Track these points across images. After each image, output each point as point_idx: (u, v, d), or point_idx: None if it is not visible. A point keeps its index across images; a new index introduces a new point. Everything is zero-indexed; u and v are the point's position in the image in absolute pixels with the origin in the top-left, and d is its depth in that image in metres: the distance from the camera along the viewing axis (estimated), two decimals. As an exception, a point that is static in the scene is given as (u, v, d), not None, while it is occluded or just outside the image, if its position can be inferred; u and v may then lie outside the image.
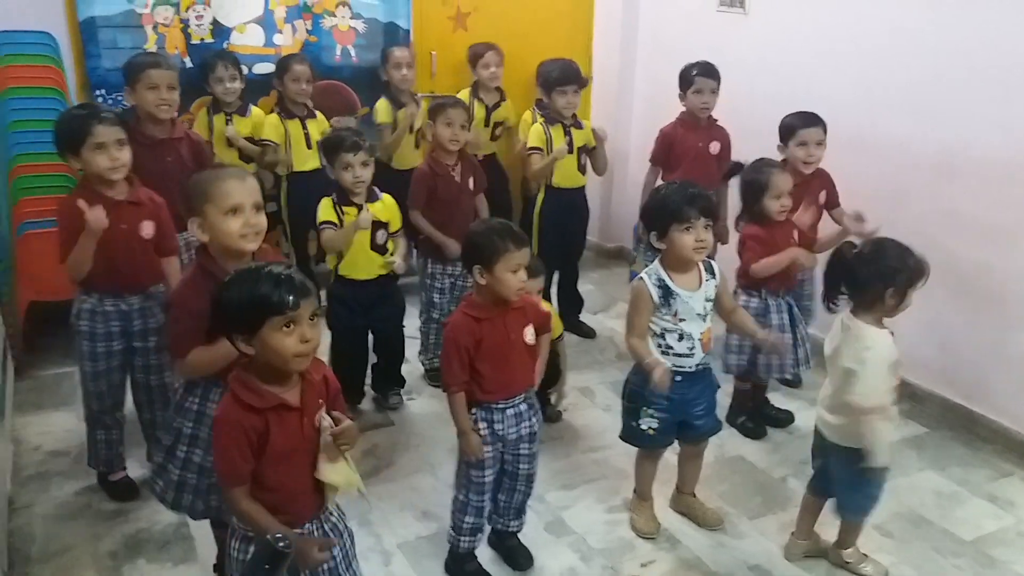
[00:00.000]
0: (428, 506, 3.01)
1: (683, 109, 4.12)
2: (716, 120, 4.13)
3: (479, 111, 4.71)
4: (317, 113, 4.38)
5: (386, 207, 3.42)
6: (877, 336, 2.44)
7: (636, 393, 2.75)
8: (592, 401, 3.84)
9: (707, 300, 2.67)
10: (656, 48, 5.26)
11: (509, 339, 2.47)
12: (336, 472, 1.92)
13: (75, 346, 2.91)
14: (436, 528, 2.89)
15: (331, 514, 2.02)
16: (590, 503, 3.08)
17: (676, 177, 4.01)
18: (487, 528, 2.71)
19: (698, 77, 4.00)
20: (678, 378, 2.65)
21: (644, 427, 2.74)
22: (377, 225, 3.36)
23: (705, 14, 4.75)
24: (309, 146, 4.27)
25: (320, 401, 1.92)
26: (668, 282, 2.61)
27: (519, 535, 2.77)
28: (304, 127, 4.29)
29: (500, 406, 2.50)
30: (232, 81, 4.13)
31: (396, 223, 3.47)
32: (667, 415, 2.71)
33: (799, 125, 3.50)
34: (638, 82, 5.43)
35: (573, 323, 4.47)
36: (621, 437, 2.87)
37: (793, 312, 3.34)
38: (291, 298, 1.76)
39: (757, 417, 3.56)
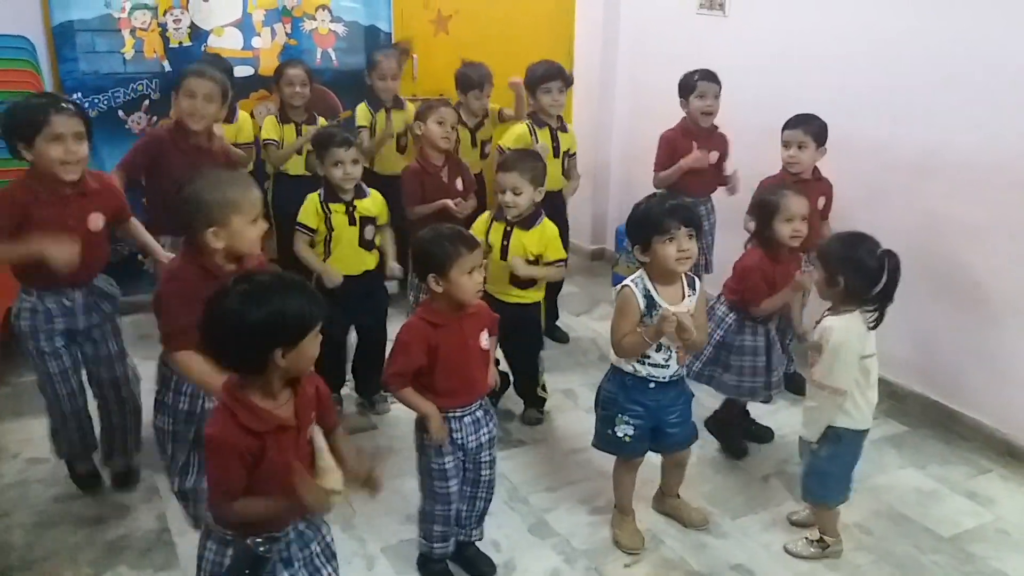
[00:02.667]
0: (411, 510, 2.99)
1: (683, 115, 4.12)
2: (717, 128, 4.14)
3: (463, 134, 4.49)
4: (319, 119, 4.34)
5: (374, 202, 3.42)
6: (840, 320, 2.56)
7: (611, 400, 2.74)
8: (575, 403, 3.84)
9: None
10: (637, 51, 5.28)
11: (467, 345, 2.47)
12: (326, 477, 1.90)
13: (23, 351, 2.85)
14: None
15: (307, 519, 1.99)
16: (573, 505, 3.09)
17: (672, 183, 4.06)
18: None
19: (700, 81, 4.00)
20: (651, 385, 2.67)
21: (620, 434, 2.72)
22: (365, 221, 3.36)
23: (685, 17, 4.78)
24: (300, 151, 4.25)
25: (312, 414, 1.91)
26: (653, 293, 2.59)
27: (478, 543, 2.75)
28: (299, 133, 4.26)
29: (458, 414, 2.49)
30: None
31: (384, 217, 3.46)
32: (641, 421, 2.70)
33: (785, 126, 3.58)
34: (619, 84, 5.45)
35: (549, 328, 4.46)
36: (595, 445, 2.85)
37: (770, 337, 3.23)
38: (318, 310, 1.81)
39: (737, 435, 3.44)
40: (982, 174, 3.39)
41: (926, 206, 3.60)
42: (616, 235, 5.39)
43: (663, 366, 2.65)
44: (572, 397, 3.89)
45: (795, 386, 3.61)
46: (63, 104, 2.65)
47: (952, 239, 3.51)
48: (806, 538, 2.82)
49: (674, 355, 2.64)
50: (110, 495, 3.07)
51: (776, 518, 3.01)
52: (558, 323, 4.57)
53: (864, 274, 2.53)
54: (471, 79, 4.34)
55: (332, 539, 2.07)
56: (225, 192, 2.25)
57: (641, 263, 2.65)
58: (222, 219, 2.22)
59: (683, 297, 2.63)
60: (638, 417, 2.69)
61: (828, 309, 2.65)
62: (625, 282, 2.65)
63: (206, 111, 3.34)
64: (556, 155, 4.17)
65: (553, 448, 3.44)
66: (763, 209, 3.13)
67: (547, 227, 3.36)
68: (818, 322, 2.64)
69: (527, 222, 3.33)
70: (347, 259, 3.38)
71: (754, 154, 3.99)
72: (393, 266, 3.50)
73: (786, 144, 3.59)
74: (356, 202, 3.34)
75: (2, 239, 2.57)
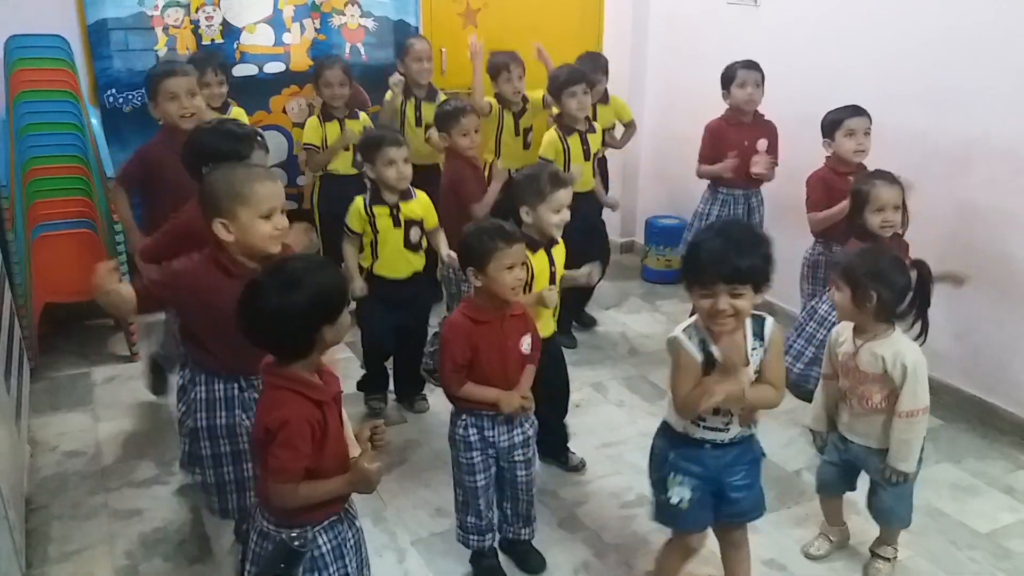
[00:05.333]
0: (442, 503, 3.02)
1: (726, 107, 4.08)
2: (763, 115, 4.10)
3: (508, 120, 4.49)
4: (361, 114, 4.35)
5: (420, 204, 3.39)
6: (904, 340, 2.47)
7: (662, 458, 2.28)
8: (605, 397, 3.83)
9: (754, 372, 2.15)
10: (667, 43, 5.24)
11: (505, 346, 2.46)
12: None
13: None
14: (450, 525, 2.89)
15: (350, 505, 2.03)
16: (603, 499, 3.08)
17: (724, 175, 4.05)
18: (496, 534, 2.67)
19: (741, 70, 3.98)
20: (707, 446, 2.22)
21: (675, 500, 2.23)
22: (410, 223, 3.35)
23: (716, 8, 4.73)
24: (346, 148, 4.24)
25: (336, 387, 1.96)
26: (711, 347, 2.10)
27: (532, 541, 2.74)
28: (342, 129, 4.25)
29: (491, 413, 2.48)
30: (220, 86, 4.07)
31: (432, 220, 3.42)
32: (700, 482, 2.23)
33: (845, 116, 3.49)
34: (649, 76, 5.41)
35: (576, 315, 4.46)
36: (653, 519, 2.39)
37: None
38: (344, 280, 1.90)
39: None
40: (1023, 163, 3.32)
41: (966, 195, 3.53)
42: (646, 228, 5.36)
43: (722, 430, 2.20)
44: (602, 391, 3.88)
45: None
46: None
47: (992, 229, 3.45)
48: (885, 559, 2.69)
49: (735, 419, 2.20)
50: (146, 488, 3.12)
51: (809, 512, 2.98)
52: (584, 309, 4.56)
53: (895, 286, 2.43)
54: (495, 64, 4.37)
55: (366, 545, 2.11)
56: (232, 183, 2.18)
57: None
58: (228, 211, 2.15)
59: (746, 355, 2.13)
60: (696, 477, 2.23)
61: (863, 337, 2.49)
62: (675, 334, 2.15)
63: (194, 108, 3.24)
64: (587, 158, 4.11)
65: (583, 442, 3.43)
66: (855, 199, 3.08)
67: (421, 196, 3.37)
68: (854, 354, 2.50)
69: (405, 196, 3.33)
70: (393, 262, 3.36)
71: (789, 145, 3.95)
72: (447, 252, 3.37)
73: (851, 132, 3.47)
74: (401, 204, 3.32)
75: None
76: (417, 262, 3.42)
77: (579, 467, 3.26)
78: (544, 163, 3.73)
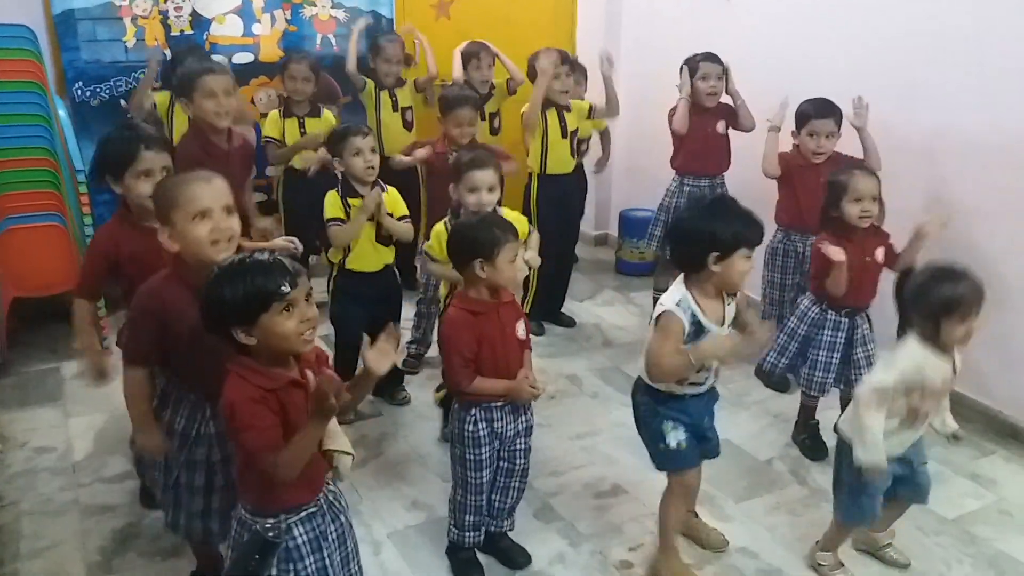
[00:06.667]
0: (417, 495, 3.03)
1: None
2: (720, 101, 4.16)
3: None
4: (325, 112, 4.35)
5: (391, 198, 3.38)
6: (918, 356, 2.33)
7: (650, 411, 2.50)
8: (580, 388, 3.85)
9: (728, 327, 2.42)
10: (640, 36, 5.26)
11: (504, 333, 2.46)
12: (338, 440, 1.96)
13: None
14: (426, 517, 2.91)
15: (331, 488, 2.02)
16: (578, 489, 3.10)
17: (687, 160, 4.17)
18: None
19: (703, 63, 4.02)
20: (687, 397, 2.47)
21: (673, 444, 2.46)
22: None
23: (689, 2, 4.76)
24: (315, 149, 4.18)
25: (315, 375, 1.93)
26: (700, 317, 2.33)
27: (510, 533, 2.76)
28: (302, 126, 4.26)
29: (499, 403, 2.48)
30: (306, 83, 4.16)
31: (399, 212, 3.40)
32: (686, 426, 2.48)
33: (812, 115, 3.53)
34: (622, 69, 5.40)
35: (554, 313, 4.49)
36: (658, 467, 2.57)
37: (856, 334, 3.16)
38: (286, 280, 1.77)
39: (818, 436, 3.35)
40: (989, 155, 3.38)
41: (933, 188, 3.59)
42: (620, 221, 5.38)
43: (700, 383, 2.46)
44: (576, 382, 3.90)
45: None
46: (151, 138, 2.55)
47: (959, 220, 3.49)
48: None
49: (711, 372, 2.47)
50: (117, 484, 3.09)
51: (780, 501, 3.03)
52: (563, 309, 4.58)
53: (939, 297, 2.33)
54: (466, 54, 4.52)
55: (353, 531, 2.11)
56: (167, 189, 2.10)
57: (690, 273, 2.38)
58: (166, 218, 2.07)
59: (724, 315, 2.39)
60: (683, 424, 2.48)
61: (946, 349, 2.38)
62: (669, 308, 2.33)
63: (230, 107, 3.19)
64: (564, 135, 4.17)
65: (558, 433, 3.46)
66: (832, 189, 3.07)
67: (515, 215, 3.22)
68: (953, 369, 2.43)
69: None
70: (366, 256, 3.35)
71: (760, 139, 3.97)
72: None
73: (814, 134, 3.53)
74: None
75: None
76: (388, 255, 3.42)
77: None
78: (482, 145, 3.76)
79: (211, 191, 2.09)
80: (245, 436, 1.80)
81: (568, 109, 4.19)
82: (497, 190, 3.07)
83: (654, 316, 2.39)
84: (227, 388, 1.82)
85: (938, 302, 2.29)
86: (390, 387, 3.68)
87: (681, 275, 2.42)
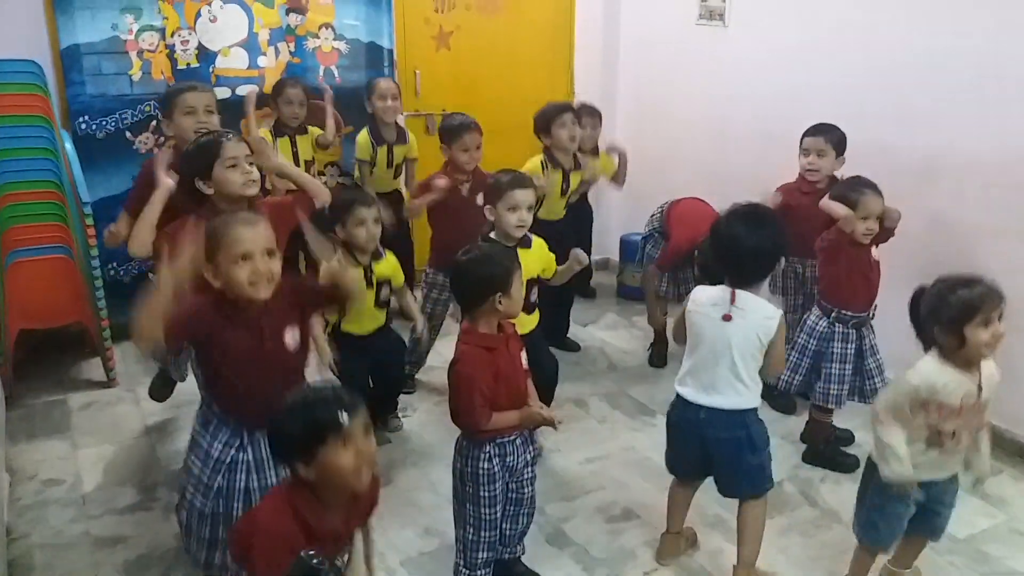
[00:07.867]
0: (430, 523, 3.02)
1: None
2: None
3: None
4: (308, 128, 4.42)
5: (389, 264, 3.43)
6: (930, 371, 2.31)
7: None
8: (587, 412, 3.86)
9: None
10: (638, 63, 5.33)
11: (515, 365, 2.47)
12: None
13: None
14: (438, 544, 2.90)
15: None
16: (590, 513, 3.10)
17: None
18: None
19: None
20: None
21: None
22: (381, 283, 3.38)
23: (685, 28, 4.83)
24: (296, 162, 4.27)
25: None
26: None
27: (523, 559, 2.75)
28: (293, 144, 4.33)
29: (511, 436, 2.48)
30: (300, 107, 4.27)
31: (399, 279, 3.47)
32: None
33: (806, 133, 3.60)
34: (620, 97, 5.49)
35: (559, 339, 4.49)
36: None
37: (865, 344, 3.26)
38: (345, 415, 1.79)
39: (838, 449, 3.41)
40: (988, 176, 3.43)
41: (933, 208, 3.63)
42: (621, 245, 5.41)
43: None
44: (583, 406, 3.91)
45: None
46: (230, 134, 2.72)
47: (959, 241, 3.54)
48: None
49: None
50: (128, 515, 3.08)
51: (791, 522, 3.03)
52: (568, 335, 4.59)
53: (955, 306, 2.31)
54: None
55: None
56: (215, 229, 2.19)
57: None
58: (211, 257, 2.16)
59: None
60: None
61: (971, 366, 2.36)
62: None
63: (210, 124, 3.17)
64: (563, 194, 4.17)
65: (568, 458, 3.46)
66: (842, 202, 3.17)
67: (539, 242, 3.29)
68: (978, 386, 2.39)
69: (526, 240, 3.22)
70: (363, 319, 3.38)
71: (756, 164, 4.02)
72: (420, 321, 3.56)
73: (806, 151, 3.60)
74: (374, 264, 3.35)
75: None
76: (382, 317, 3.46)
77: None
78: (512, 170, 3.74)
79: (253, 234, 2.18)
80: (260, 569, 1.80)
81: (577, 168, 4.17)
82: (532, 211, 3.14)
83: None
84: (268, 512, 1.84)
85: (957, 308, 2.25)
86: (384, 414, 3.68)
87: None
